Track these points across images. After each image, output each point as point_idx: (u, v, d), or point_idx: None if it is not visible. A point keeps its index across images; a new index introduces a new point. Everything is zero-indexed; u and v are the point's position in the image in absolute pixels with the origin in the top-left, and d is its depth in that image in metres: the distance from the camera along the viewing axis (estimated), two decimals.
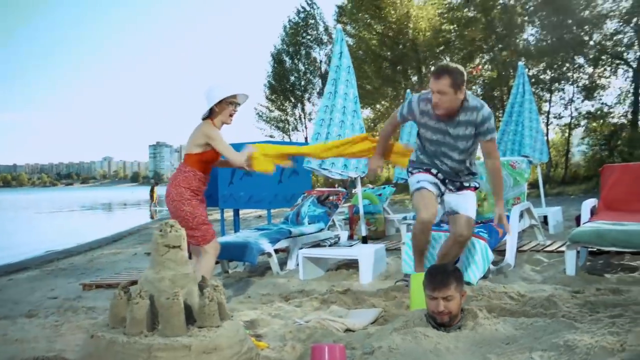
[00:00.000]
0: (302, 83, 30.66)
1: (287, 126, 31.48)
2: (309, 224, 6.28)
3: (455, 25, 23.12)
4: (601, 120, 20.71)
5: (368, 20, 25.08)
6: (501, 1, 21.61)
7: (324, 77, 30.48)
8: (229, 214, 9.79)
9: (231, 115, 3.84)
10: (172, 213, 3.80)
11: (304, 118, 31.25)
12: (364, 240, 5.37)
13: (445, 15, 23.52)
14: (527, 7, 21.35)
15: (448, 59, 24.03)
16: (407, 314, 2.90)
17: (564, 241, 5.82)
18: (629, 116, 20.07)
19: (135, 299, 2.21)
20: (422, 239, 3.61)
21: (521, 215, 5.24)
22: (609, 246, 4.05)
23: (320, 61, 30.72)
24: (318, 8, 31.05)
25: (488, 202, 5.38)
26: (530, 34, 22.21)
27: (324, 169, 5.25)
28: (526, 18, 21.55)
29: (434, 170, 3.65)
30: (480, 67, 21.51)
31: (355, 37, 26.39)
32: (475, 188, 3.75)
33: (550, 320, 2.68)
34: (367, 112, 28.80)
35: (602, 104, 21.03)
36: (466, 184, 3.69)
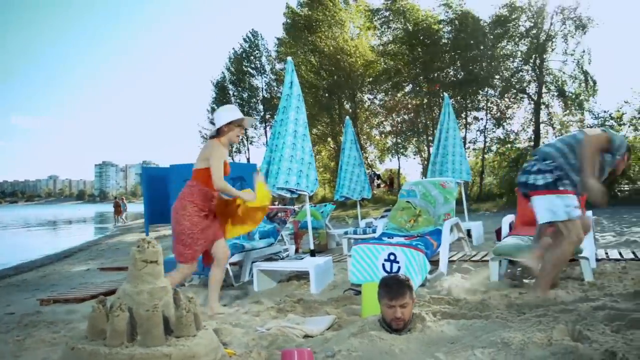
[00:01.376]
0: (245, 109, 30.51)
1: (230, 148, 31.16)
2: (259, 239, 6.25)
3: (384, 58, 23.79)
4: (509, 145, 21.88)
5: (303, 54, 25.37)
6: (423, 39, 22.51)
7: (264, 104, 30.47)
8: None
9: (238, 136, 3.99)
10: (173, 224, 3.81)
11: (247, 141, 31.07)
12: (312, 253, 5.42)
13: (381, 47, 24.19)
14: (445, 44, 22.40)
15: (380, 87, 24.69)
16: (363, 320, 2.96)
17: (486, 252, 6.13)
18: (532, 142, 21.31)
19: (115, 312, 2.15)
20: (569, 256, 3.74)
21: (451, 230, 5.45)
22: (525, 257, 4.29)
23: (262, 89, 30.72)
24: (263, 39, 31.15)
25: (422, 217, 5.59)
26: (448, 68, 23.18)
27: (280, 188, 5.28)
28: (445, 55, 22.55)
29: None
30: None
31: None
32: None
33: (487, 321, 2.82)
34: None
35: (510, 131, 22.29)
36: None
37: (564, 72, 20.58)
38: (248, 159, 30.59)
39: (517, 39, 20.82)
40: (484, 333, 2.65)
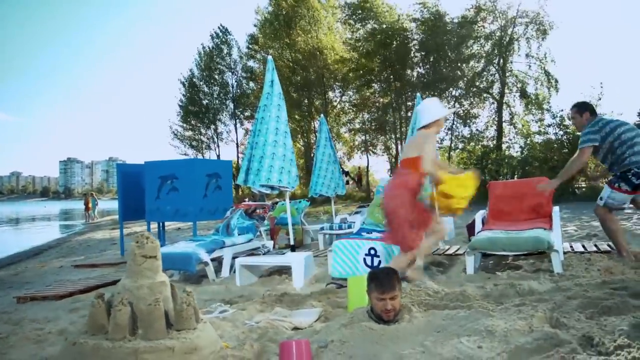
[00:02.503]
0: (215, 106, 30.20)
1: (200, 145, 30.88)
2: (238, 235, 6.26)
3: (356, 55, 23.89)
4: (473, 144, 22.40)
5: (280, 49, 25.18)
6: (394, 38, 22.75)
7: (234, 101, 30.21)
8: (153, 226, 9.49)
9: (441, 127, 4.39)
10: (389, 213, 4.00)
11: (217, 138, 30.82)
12: (293, 248, 5.47)
13: (352, 42, 24.28)
14: (414, 45, 22.74)
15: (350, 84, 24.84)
16: (352, 312, 3.03)
17: (459, 246, 6.31)
18: (495, 140, 21.87)
19: (117, 306, 2.16)
20: None
21: None
22: (499, 251, 4.47)
23: (233, 85, 30.40)
24: (232, 35, 30.81)
25: None
26: (418, 68, 23.53)
27: (262, 185, 5.31)
28: (415, 54, 22.88)
29: None
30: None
31: (263, 64, 26.53)
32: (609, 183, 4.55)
33: (470, 311, 2.93)
34: None
35: (475, 130, 22.83)
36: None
37: (525, 74, 21.22)
38: (218, 155, 30.34)
39: (482, 41, 21.31)
40: (468, 322, 2.75)
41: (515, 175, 18.22)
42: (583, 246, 5.49)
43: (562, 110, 18.01)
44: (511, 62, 21.27)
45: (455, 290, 3.71)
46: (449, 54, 21.30)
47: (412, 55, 22.67)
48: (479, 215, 5.39)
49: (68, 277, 6.87)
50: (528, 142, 19.86)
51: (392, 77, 23.27)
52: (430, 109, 4.24)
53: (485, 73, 21.99)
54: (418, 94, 8.73)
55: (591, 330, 2.41)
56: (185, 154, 30.28)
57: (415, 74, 23.31)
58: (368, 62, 23.30)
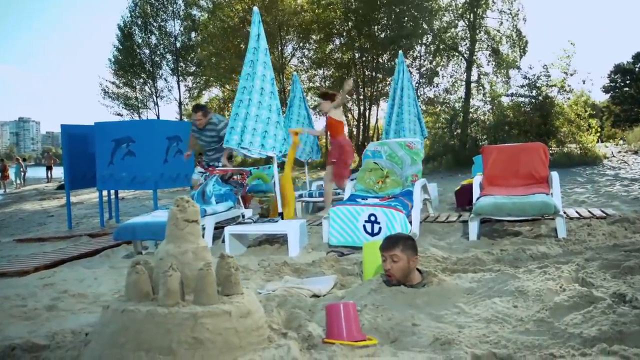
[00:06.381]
0: (155, 58, 29.22)
1: (136, 103, 29.91)
2: (216, 202, 6.36)
3: (316, 6, 23.68)
4: (439, 106, 22.98)
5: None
6: None
7: (178, 53, 29.32)
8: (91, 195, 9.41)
9: None
10: None
11: (156, 96, 29.91)
12: (282, 216, 5.66)
13: None
14: None
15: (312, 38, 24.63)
16: (378, 277, 3.27)
17: (448, 213, 6.69)
18: (463, 102, 22.50)
19: (168, 272, 2.30)
20: None
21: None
22: (505, 216, 4.84)
23: (175, 36, 29.38)
24: None
25: (390, 179, 5.98)
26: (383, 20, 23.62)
27: (243, 147, 5.42)
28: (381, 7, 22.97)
29: None
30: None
31: (211, 13, 25.71)
32: None
33: (495, 274, 3.25)
34: (216, 91, 28.45)
35: (442, 91, 23.38)
36: None
37: (498, 31, 21.80)
38: (157, 115, 29.61)
39: None
40: (496, 284, 3.08)
41: (487, 141, 18.90)
42: (577, 212, 5.98)
43: (531, 68, 18.64)
44: (483, 18, 21.75)
45: (467, 256, 4.05)
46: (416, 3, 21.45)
47: (378, 7, 22.70)
48: (477, 181, 5.74)
49: (21, 253, 6.79)
50: (495, 103, 20.42)
51: (354, 30, 23.25)
52: None
53: (453, 29, 22.39)
54: (400, 52, 8.97)
55: (620, 288, 2.77)
56: (119, 114, 29.39)
57: (381, 28, 23.35)
58: (329, 14, 23.18)
